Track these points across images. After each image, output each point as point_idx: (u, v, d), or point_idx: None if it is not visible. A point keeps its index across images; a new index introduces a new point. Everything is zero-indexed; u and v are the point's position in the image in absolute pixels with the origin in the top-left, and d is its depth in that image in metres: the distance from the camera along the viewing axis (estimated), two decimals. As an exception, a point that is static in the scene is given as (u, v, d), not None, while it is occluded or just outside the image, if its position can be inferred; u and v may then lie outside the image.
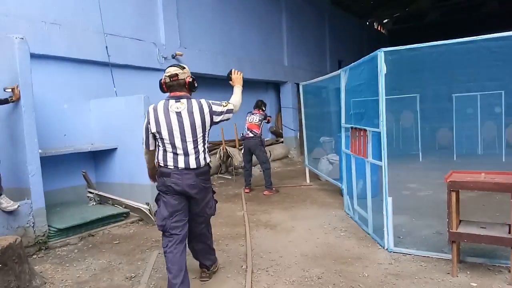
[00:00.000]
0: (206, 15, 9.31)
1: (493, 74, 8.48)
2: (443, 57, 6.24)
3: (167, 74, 3.17)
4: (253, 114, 7.67)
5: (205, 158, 3.17)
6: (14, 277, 3.28)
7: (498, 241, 3.33)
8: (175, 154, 3.07)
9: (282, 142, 12.78)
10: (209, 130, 3.24)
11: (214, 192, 3.43)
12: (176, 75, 3.15)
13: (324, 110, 8.07)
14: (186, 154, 3.08)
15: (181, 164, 3.06)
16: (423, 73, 9.24)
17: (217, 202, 3.49)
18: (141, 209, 5.61)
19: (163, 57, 7.79)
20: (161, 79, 3.22)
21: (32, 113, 4.60)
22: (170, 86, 3.18)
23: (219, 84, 10.49)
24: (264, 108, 7.82)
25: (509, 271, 3.33)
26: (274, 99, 13.26)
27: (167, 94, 3.23)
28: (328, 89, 7.93)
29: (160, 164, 3.13)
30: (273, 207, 6.31)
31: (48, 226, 4.75)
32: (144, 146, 3.26)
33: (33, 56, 5.03)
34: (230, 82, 3.64)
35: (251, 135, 7.47)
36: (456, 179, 3.47)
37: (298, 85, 10.44)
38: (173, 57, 8.00)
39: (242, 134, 7.73)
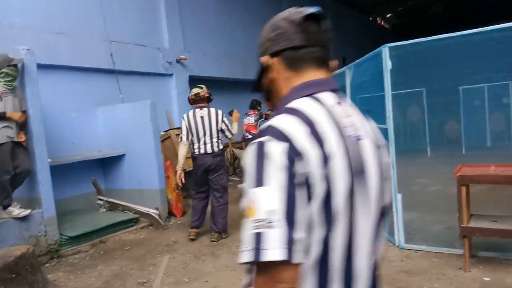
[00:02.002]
0: (209, 19, 9.34)
1: (499, 66, 8.39)
2: (448, 50, 6.18)
3: (192, 93, 4.88)
4: (249, 115, 7.65)
5: (218, 146, 4.81)
6: (28, 286, 3.31)
7: (511, 235, 3.29)
8: (199, 145, 4.75)
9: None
10: (223, 128, 4.79)
11: (226, 170, 4.81)
12: (198, 93, 4.85)
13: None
14: (205, 144, 4.73)
15: (203, 151, 4.75)
16: (429, 67, 9.16)
17: (228, 176, 4.70)
18: (150, 214, 5.64)
19: (167, 61, 7.83)
20: (188, 96, 4.98)
21: (41, 122, 4.65)
22: (195, 101, 4.86)
23: (223, 86, 10.52)
24: (259, 108, 7.70)
25: (523, 265, 3.30)
26: (279, 99, 13.25)
27: (193, 105, 4.86)
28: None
29: (193, 151, 4.82)
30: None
31: (60, 234, 4.80)
32: (183, 139, 4.78)
33: (40, 66, 5.07)
34: (231, 117, 5.17)
35: (250, 136, 7.50)
36: (466, 173, 3.44)
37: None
38: (178, 61, 8.04)
39: (243, 135, 7.72)
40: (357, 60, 5.05)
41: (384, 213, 1.03)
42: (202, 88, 4.86)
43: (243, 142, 7.86)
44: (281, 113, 0.90)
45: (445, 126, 11.76)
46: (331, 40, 1.05)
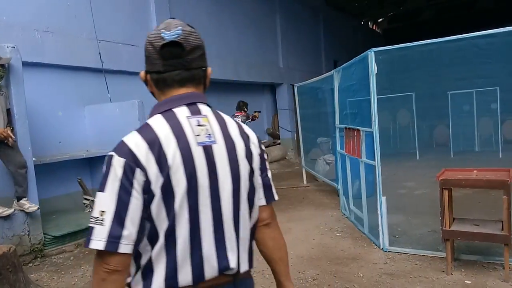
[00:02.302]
0: (200, 19, 9.32)
1: (487, 71, 8.52)
2: (436, 55, 6.27)
3: None
4: (235, 117, 7.60)
5: None
6: (9, 286, 3.28)
7: (491, 238, 3.34)
8: None
9: (279, 143, 12.78)
10: None
11: None
12: None
13: (320, 110, 8.08)
14: None
15: None
16: (417, 71, 9.26)
17: None
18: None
19: (157, 61, 7.79)
20: None
21: (25, 121, 4.61)
22: None
23: (213, 87, 10.50)
24: (246, 109, 7.69)
25: (504, 268, 3.34)
26: (271, 101, 13.29)
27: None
28: (323, 90, 7.95)
29: None
30: (270, 209, 6.30)
31: (44, 234, 4.75)
32: None
33: (26, 64, 5.03)
34: None
35: None
36: (448, 177, 3.48)
37: (293, 86, 10.47)
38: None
39: None
40: (344, 64, 5.08)
41: (250, 198, 1.23)
42: None
43: None
44: (137, 129, 1.15)
45: (434, 131, 11.88)
46: (197, 59, 1.20)
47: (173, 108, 1.18)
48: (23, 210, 4.48)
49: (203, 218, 1.14)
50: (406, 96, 10.77)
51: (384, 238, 4.12)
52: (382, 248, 4.12)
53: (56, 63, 5.98)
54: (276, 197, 1.37)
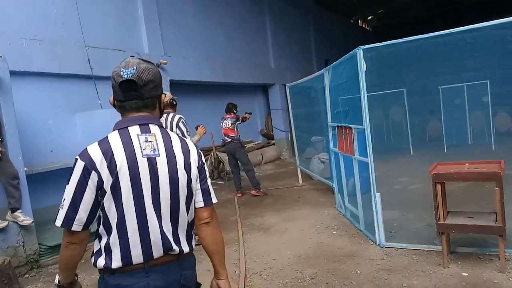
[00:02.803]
0: (189, 22, 9.31)
1: (476, 65, 8.59)
2: (425, 51, 6.31)
3: None
4: (225, 119, 7.65)
5: None
6: (4, 298, 3.25)
7: (486, 230, 3.36)
8: None
9: (273, 144, 12.79)
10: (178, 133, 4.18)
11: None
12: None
13: (313, 109, 8.09)
14: None
15: None
16: (408, 67, 9.32)
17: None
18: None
19: (147, 66, 7.77)
20: None
21: (15, 131, 4.56)
22: None
23: (205, 90, 10.51)
24: (235, 111, 7.74)
25: (499, 259, 3.35)
26: (263, 102, 13.29)
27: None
28: (315, 89, 7.96)
29: None
30: (266, 210, 6.30)
31: (39, 244, 4.71)
32: None
33: (14, 73, 4.99)
34: (196, 131, 5.00)
35: (229, 139, 7.54)
36: (440, 171, 3.50)
37: (285, 86, 10.49)
38: (158, 66, 7.94)
39: (222, 140, 7.75)
40: (334, 63, 5.09)
41: (187, 199, 1.58)
42: (166, 92, 4.87)
43: (223, 147, 7.86)
44: (99, 140, 1.50)
45: (426, 125, 11.94)
46: (150, 90, 1.55)
47: (129, 126, 1.54)
48: (16, 222, 4.44)
49: (148, 211, 1.50)
50: (398, 92, 10.82)
51: (380, 234, 4.13)
52: (379, 244, 4.13)
53: (44, 71, 5.94)
54: (215, 200, 1.68)
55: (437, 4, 22.31)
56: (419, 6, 23.45)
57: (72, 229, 1.46)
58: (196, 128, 5.04)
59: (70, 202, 1.45)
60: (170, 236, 1.53)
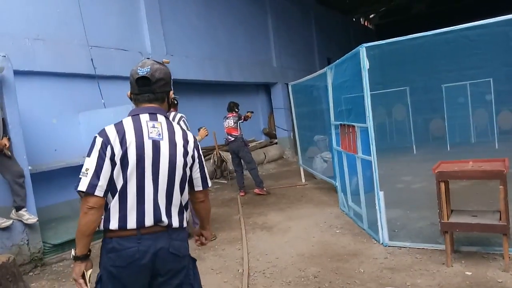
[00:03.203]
0: (191, 21, 9.32)
1: (478, 63, 8.56)
2: (428, 48, 6.29)
3: None
4: (227, 118, 7.68)
5: None
6: (9, 296, 3.26)
7: (489, 229, 3.35)
8: None
9: (276, 143, 12.79)
10: None
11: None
12: None
13: (316, 108, 8.07)
14: None
15: None
16: (411, 65, 9.28)
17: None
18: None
19: (150, 66, 7.78)
20: None
21: (20, 130, 4.58)
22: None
23: (207, 89, 10.51)
24: (237, 109, 7.75)
25: (503, 258, 3.34)
26: (266, 101, 13.29)
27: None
28: (317, 87, 7.95)
29: None
30: (269, 209, 6.31)
31: (43, 242, 4.73)
32: None
33: (18, 73, 5.01)
34: (198, 133, 4.93)
35: (232, 138, 7.55)
36: (444, 169, 3.49)
37: (288, 85, 10.49)
38: (161, 65, 7.99)
39: (225, 139, 7.78)
40: (336, 61, 5.08)
41: (182, 180, 1.90)
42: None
43: (227, 146, 7.87)
44: (115, 123, 1.85)
45: (429, 124, 11.90)
46: (161, 86, 1.92)
47: (140, 114, 1.88)
48: (21, 221, 4.45)
49: (146, 184, 1.80)
50: (401, 90, 10.79)
51: (383, 233, 4.12)
52: (382, 243, 4.12)
53: (48, 70, 5.96)
54: (210, 184, 2.09)
55: (439, 1, 22.24)
56: (421, 4, 23.38)
57: (95, 193, 1.72)
58: (199, 130, 5.02)
59: (94, 171, 1.73)
60: (162, 209, 1.82)
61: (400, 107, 11.48)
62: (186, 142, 1.91)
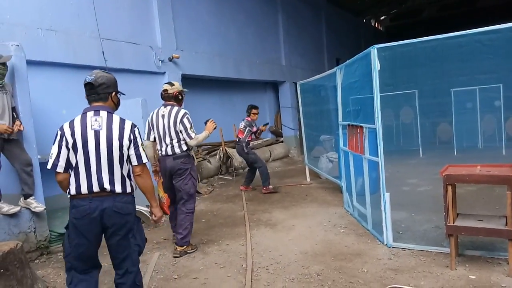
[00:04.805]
0: (202, 17, 9.34)
1: (490, 68, 8.50)
2: (439, 52, 6.26)
3: (162, 89, 4.54)
4: (242, 120, 7.76)
5: (180, 147, 4.38)
6: (16, 282, 3.31)
7: (495, 233, 3.34)
8: (161, 145, 4.45)
9: (282, 141, 12.80)
10: (181, 130, 4.34)
11: (194, 174, 4.48)
12: (166, 90, 4.49)
13: (323, 108, 8.06)
14: (165, 145, 4.40)
15: (164, 152, 4.42)
16: (421, 68, 9.24)
17: (195, 183, 4.54)
18: (141, 212, 5.62)
19: (160, 60, 7.83)
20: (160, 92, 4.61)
21: (30, 119, 4.64)
22: (164, 97, 4.53)
23: (215, 86, 10.54)
24: (248, 112, 7.76)
25: (508, 263, 3.34)
26: (273, 99, 13.29)
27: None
28: (325, 87, 7.94)
29: (158, 152, 4.54)
30: (273, 206, 6.33)
31: (50, 231, 4.78)
32: (144, 138, 4.44)
33: (30, 63, 5.06)
34: (205, 126, 4.71)
35: (237, 140, 7.79)
36: (452, 172, 3.49)
37: (296, 84, 10.48)
38: (170, 60, 8.04)
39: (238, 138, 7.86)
40: (347, 61, 5.08)
41: (120, 158, 2.61)
42: (173, 85, 4.53)
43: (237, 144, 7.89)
44: (70, 120, 2.64)
45: (437, 128, 11.84)
46: (103, 89, 2.66)
47: (87, 112, 2.63)
48: (29, 208, 4.51)
49: (91, 162, 2.56)
50: (409, 93, 10.74)
51: (388, 234, 4.12)
52: (386, 244, 4.13)
53: (59, 61, 6.02)
54: (145, 160, 2.71)
55: (451, 6, 22.08)
56: (432, 8, 23.24)
57: (57, 170, 2.58)
58: (205, 123, 4.70)
59: (56, 155, 2.58)
60: (105, 180, 2.55)
61: (408, 110, 11.43)
62: (122, 129, 2.60)
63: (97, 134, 2.54)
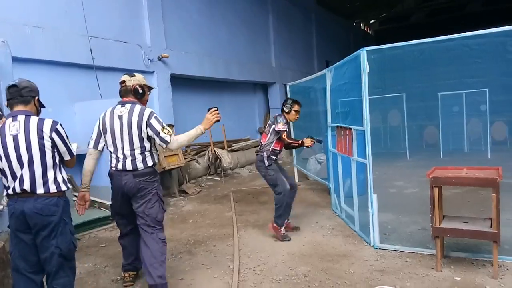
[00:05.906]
0: (192, 17, 9.31)
1: (476, 72, 8.63)
2: (427, 55, 6.33)
3: (119, 80, 3.42)
4: (276, 115, 5.00)
5: (143, 161, 3.25)
6: (-3, 283, 3.24)
7: (480, 235, 3.38)
8: (116, 156, 3.29)
9: (271, 143, 12.76)
10: (148, 137, 3.24)
11: (160, 195, 3.38)
12: (124, 81, 3.35)
13: (312, 110, 8.09)
14: (123, 156, 3.25)
15: (120, 167, 3.26)
16: (409, 72, 9.34)
17: (164, 207, 3.45)
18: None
19: (148, 59, 7.77)
20: None
21: (15, 116, 4.54)
22: (120, 92, 3.38)
23: (205, 85, 10.49)
24: (283, 107, 5.10)
25: (492, 265, 3.38)
26: (263, 100, 13.30)
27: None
28: (315, 89, 7.97)
29: (110, 165, 3.40)
30: (261, 207, 6.31)
31: (33, 231, 4.69)
32: (90, 145, 3.42)
33: (16, 59, 4.96)
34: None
35: (259, 147, 5.00)
36: (438, 175, 3.52)
37: (285, 85, 10.50)
38: (159, 59, 7.98)
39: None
40: (336, 63, 5.10)
41: (46, 157, 2.64)
42: (133, 76, 3.39)
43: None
44: None
45: (424, 131, 11.98)
46: (26, 92, 2.67)
47: (7, 118, 2.66)
48: None
49: (14, 165, 2.61)
50: (397, 96, 10.85)
51: (374, 236, 4.14)
52: (373, 246, 4.15)
53: (46, 58, 5.94)
54: (74, 155, 2.84)
55: (439, 11, 22.39)
56: (421, 13, 23.53)
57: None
58: (208, 110, 3.32)
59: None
60: (27, 182, 2.58)
61: (395, 113, 11.55)
62: (41, 131, 2.60)
63: (15, 138, 2.58)
